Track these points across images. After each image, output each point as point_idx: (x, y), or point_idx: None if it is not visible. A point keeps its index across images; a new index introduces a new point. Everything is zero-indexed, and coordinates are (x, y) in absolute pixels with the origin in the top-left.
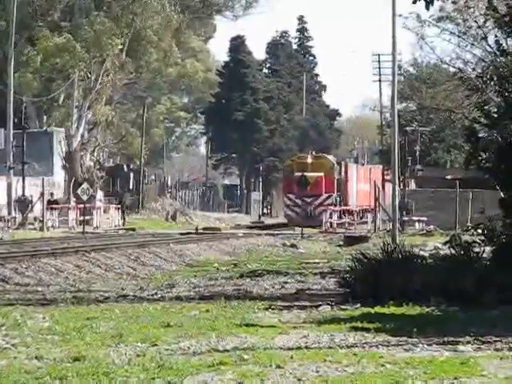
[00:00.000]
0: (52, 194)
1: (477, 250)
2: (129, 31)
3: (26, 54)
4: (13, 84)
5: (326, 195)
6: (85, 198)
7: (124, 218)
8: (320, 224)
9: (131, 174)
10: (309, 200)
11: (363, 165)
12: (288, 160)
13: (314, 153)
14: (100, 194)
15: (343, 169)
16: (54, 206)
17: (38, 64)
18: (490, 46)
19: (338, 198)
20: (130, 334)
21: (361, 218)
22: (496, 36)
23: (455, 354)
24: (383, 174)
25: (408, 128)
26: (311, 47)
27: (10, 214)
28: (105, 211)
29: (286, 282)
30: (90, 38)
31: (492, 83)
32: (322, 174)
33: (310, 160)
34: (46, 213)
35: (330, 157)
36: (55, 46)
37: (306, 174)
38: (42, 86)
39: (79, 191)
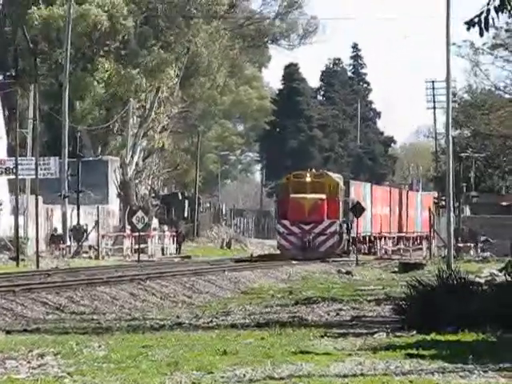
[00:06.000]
0: (56, 230)
1: None
2: (184, 60)
3: (85, 83)
4: (71, 113)
5: (329, 222)
6: (140, 226)
7: (180, 248)
8: (320, 257)
9: (186, 202)
10: (307, 228)
11: (417, 191)
12: (283, 178)
13: (314, 170)
14: (155, 222)
15: (352, 190)
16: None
17: (98, 93)
18: None
19: (345, 225)
20: (186, 362)
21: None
22: None
23: (511, 381)
24: (406, 196)
25: (463, 154)
26: (365, 74)
27: (64, 242)
28: (160, 239)
29: (341, 309)
30: (147, 67)
31: None
32: (323, 195)
33: (308, 179)
34: (101, 241)
35: (335, 175)
36: (114, 75)
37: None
38: (100, 115)
39: (134, 219)
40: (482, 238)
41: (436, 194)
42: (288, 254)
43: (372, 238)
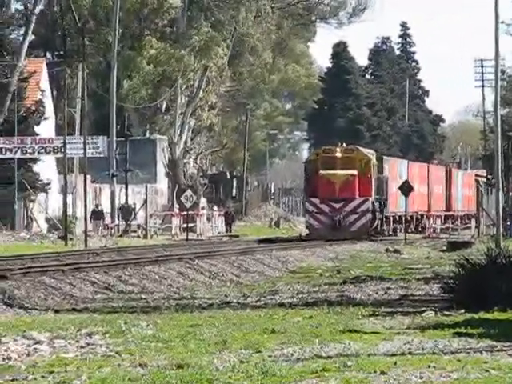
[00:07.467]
0: (97, 206)
1: None
2: (232, 38)
3: (133, 62)
4: (119, 92)
5: (361, 199)
6: (188, 205)
7: (230, 227)
8: (351, 236)
9: (234, 181)
10: (337, 206)
11: (466, 170)
12: (311, 154)
13: (344, 145)
14: (203, 201)
15: (386, 166)
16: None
17: (146, 72)
18: None
19: (378, 203)
20: (234, 341)
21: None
22: None
23: None
24: (446, 174)
25: (511, 133)
26: (414, 53)
27: (113, 221)
28: (208, 218)
29: (389, 288)
30: (195, 46)
31: None
32: (354, 171)
33: (339, 154)
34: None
35: (367, 150)
36: (162, 54)
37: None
38: (147, 94)
39: (182, 198)
40: None
41: (484, 172)
42: (317, 234)
43: (408, 218)
